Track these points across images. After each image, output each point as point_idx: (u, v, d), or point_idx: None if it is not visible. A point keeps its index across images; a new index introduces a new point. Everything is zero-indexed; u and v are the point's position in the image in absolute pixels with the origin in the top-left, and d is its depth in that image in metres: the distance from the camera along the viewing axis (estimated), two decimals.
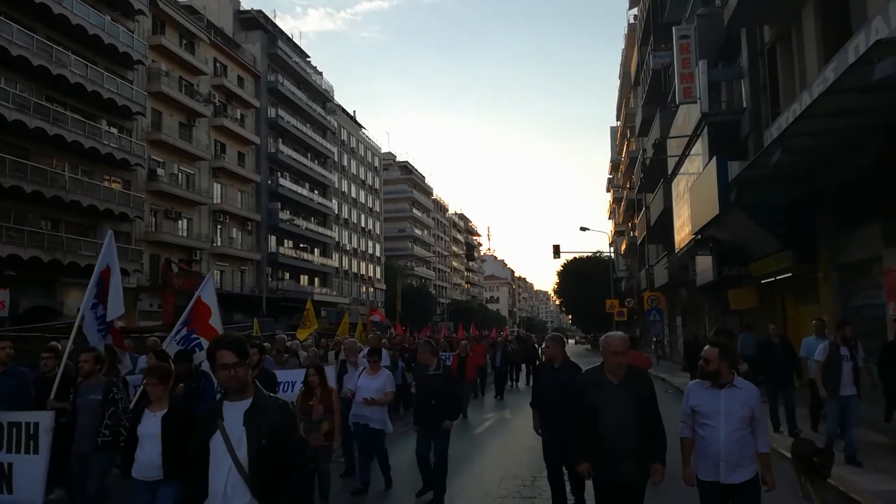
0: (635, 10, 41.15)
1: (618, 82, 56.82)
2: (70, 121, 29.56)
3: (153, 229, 36.57)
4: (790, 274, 15.82)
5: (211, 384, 7.44)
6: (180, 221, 39.18)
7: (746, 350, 20.26)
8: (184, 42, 40.23)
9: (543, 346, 7.93)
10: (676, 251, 24.25)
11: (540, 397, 7.06)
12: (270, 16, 54.23)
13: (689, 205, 19.34)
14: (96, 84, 30.92)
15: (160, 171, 37.03)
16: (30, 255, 27.10)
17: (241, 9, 52.22)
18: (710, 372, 4.64)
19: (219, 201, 42.90)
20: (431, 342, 8.93)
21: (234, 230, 45.04)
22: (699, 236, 18.81)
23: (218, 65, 44.21)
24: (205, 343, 8.18)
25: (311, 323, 18.01)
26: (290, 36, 56.79)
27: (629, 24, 45.53)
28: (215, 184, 42.91)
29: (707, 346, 4.74)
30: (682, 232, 21.98)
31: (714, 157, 15.58)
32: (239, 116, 46.15)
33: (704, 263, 20.64)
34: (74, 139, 29.50)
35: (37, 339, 14.00)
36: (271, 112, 49.72)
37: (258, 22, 52.12)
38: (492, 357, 21.36)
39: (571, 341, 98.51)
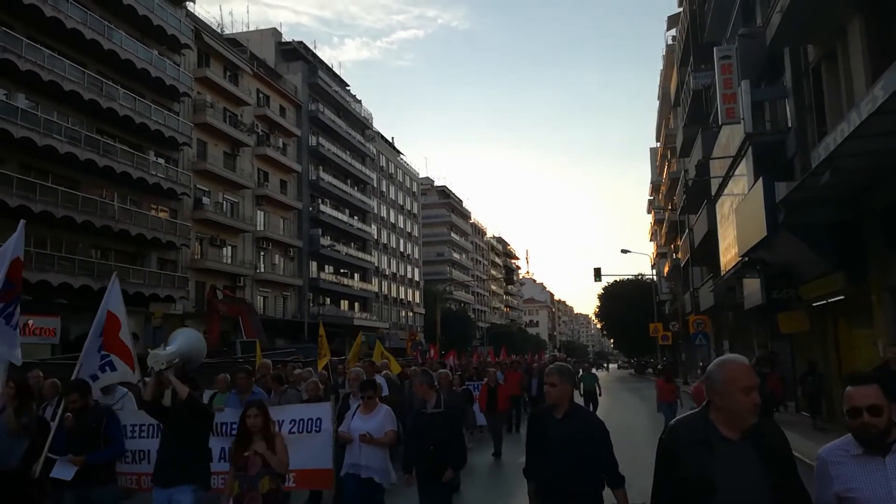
0: (673, 31, 40.95)
1: (657, 103, 56.44)
2: (119, 152, 30.47)
3: (199, 257, 37.29)
4: (841, 296, 15.38)
5: (117, 426, 6.19)
6: (225, 249, 39.90)
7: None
8: (228, 74, 41.27)
9: (546, 383, 4.78)
10: (722, 273, 23.78)
11: (539, 464, 4.52)
12: (311, 46, 55.39)
13: (735, 226, 18.99)
14: (144, 116, 31.87)
15: (205, 199, 37.85)
16: (80, 283, 27.83)
17: (283, 41, 53.46)
18: (874, 431, 2.82)
19: (262, 228, 43.62)
20: (429, 371, 7.33)
21: (277, 256, 45.68)
22: (746, 258, 18.43)
23: (261, 95, 45.21)
24: (117, 362, 7.20)
25: (324, 351, 14.85)
26: (330, 66, 57.88)
27: (667, 45, 45.28)
28: (258, 211, 43.67)
29: (851, 386, 2.90)
30: (728, 254, 21.57)
31: (760, 178, 15.29)
32: (281, 145, 47.02)
33: (752, 286, 20.19)
34: (123, 170, 30.36)
35: None
36: (312, 140, 50.57)
37: (299, 53, 53.25)
38: (527, 386, 19.35)
39: (614, 366, 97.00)
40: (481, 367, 19.42)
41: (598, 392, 19.86)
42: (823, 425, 15.91)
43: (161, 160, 33.88)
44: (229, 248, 40.36)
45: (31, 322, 25.86)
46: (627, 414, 23.32)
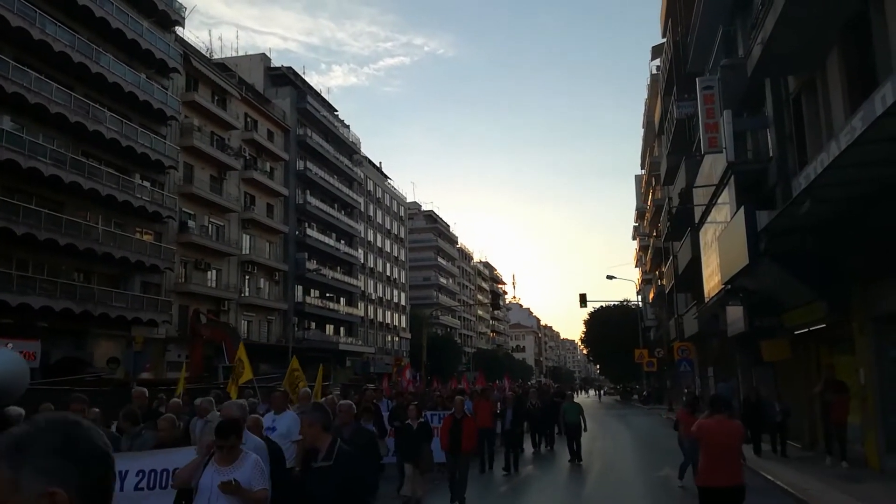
0: (658, 62, 41.55)
1: (641, 131, 57.10)
2: (104, 175, 30.34)
3: (182, 280, 37.02)
4: (823, 324, 15.49)
5: None
6: (209, 272, 39.65)
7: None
8: (216, 98, 41.35)
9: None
10: (706, 301, 23.91)
11: None
12: (299, 72, 55.69)
13: (718, 254, 19.13)
14: (130, 139, 31.80)
15: (191, 223, 37.68)
16: (62, 306, 27.53)
17: (272, 66, 53.72)
18: None
19: (247, 252, 43.44)
20: (323, 406, 5.41)
21: (262, 280, 45.44)
22: (729, 286, 18.54)
23: (248, 119, 45.29)
24: None
25: (244, 370, 12.18)
26: (318, 91, 58.17)
27: (652, 75, 45.94)
28: (244, 235, 43.52)
29: None
30: (712, 281, 21.70)
31: (742, 207, 15.45)
32: (268, 169, 47.02)
33: (735, 314, 20.30)
34: (108, 193, 30.21)
35: (66, 392, 14.14)
36: (300, 164, 50.63)
37: (288, 78, 53.52)
38: (500, 416, 16.99)
39: (602, 391, 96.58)
40: (446, 394, 17.00)
41: (583, 426, 17.67)
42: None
43: (147, 183, 33.76)
44: (214, 271, 40.12)
45: (10, 345, 25.43)
46: (612, 442, 23.19)
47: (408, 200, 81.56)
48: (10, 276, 25.98)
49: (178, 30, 37.58)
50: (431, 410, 14.20)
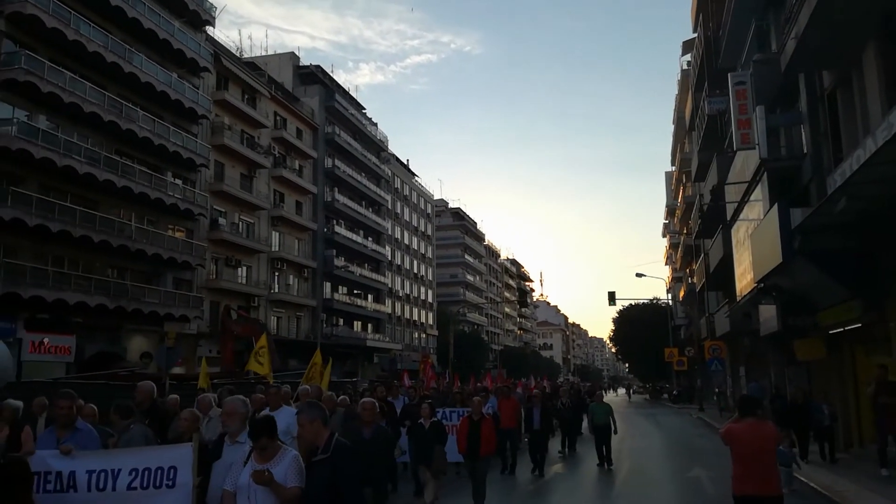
0: (688, 57, 41.03)
1: (672, 127, 56.43)
2: (137, 173, 30.81)
3: (214, 277, 37.49)
4: (859, 324, 15.18)
5: None
6: (240, 269, 40.11)
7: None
8: (246, 97, 41.77)
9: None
10: (738, 299, 23.59)
11: None
12: (328, 70, 56.00)
13: (750, 252, 18.86)
14: (163, 138, 32.25)
15: (222, 220, 38.13)
16: (96, 302, 28.03)
17: (300, 64, 54.12)
18: None
19: (277, 249, 43.86)
20: (318, 404, 5.33)
21: (291, 277, 45.85)
22: (762, 285, 18.27)
23: (278, 118, 45.69)
24: None
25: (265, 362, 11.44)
26: (346, 89, 58.46)
27: (682, 70, 45.36)
28: (274, 232, 43.94)
29: None
30: (744, 279, 21.41)
31: (776, 204, 15.20)
32: (297, 167, 47.39)
33: (768, 312, 19.99)
34: (141, 191, 30.68)
35: (101, 386, 14.42)
36: (328, 162, 50.96)
37: (316, 77, 53.86)
38: (526, 417, 15.78)
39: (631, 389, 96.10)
40: (466, 393, 16.09)
41: (613, 428, 16.13)
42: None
43: (179, 181, 34.22)
44: (244, 268, 40.58)
45: (46, 340, 26.09)
46: (641, 442, 22.93)
47: (435, 198, 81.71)
48: (46, 272, 26.51)
49: (209, 29, 38.04)
50: (451, 408, 13.57)
